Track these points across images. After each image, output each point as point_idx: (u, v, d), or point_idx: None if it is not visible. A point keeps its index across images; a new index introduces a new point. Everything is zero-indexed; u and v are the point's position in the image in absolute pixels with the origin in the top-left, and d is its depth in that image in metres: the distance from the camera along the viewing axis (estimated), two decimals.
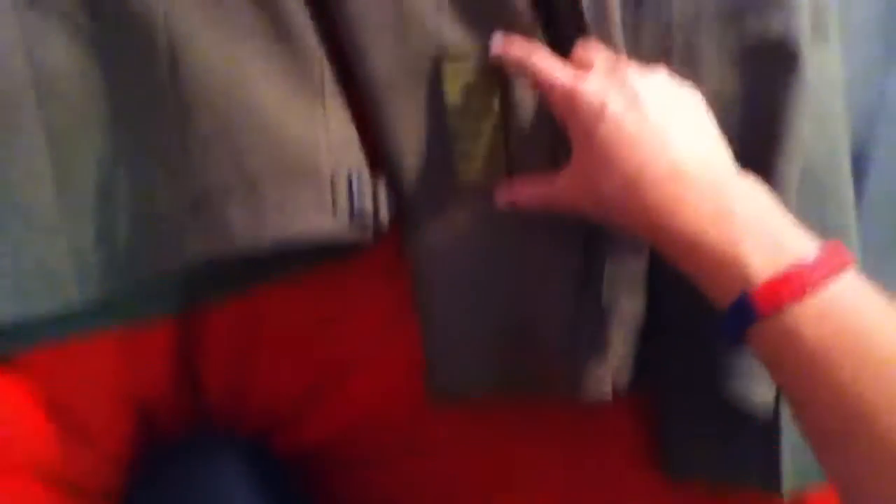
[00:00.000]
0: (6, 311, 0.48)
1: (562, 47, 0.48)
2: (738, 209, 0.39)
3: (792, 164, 0.46)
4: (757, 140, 0.47)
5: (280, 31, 0.48)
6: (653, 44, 0.48)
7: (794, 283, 0.36)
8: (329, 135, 0.48)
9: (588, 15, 0.46)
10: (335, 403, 0.55)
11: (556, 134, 0.47)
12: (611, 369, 0.50)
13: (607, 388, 0.50)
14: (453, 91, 0.49)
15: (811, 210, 0.49)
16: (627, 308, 0.49)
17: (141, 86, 0.48)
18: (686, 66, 0.48)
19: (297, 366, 0.53)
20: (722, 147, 0.43)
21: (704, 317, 0.42)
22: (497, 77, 0.49)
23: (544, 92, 0.45)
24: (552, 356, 0.50)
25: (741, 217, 0.39)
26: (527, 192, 0.48)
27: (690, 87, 0.45)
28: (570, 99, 0.43)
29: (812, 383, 0.36)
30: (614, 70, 0.44)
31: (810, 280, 0.36)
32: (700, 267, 0.40)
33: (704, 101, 0.45)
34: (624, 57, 0.46)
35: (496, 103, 0.49)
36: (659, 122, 0.41)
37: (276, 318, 0.53)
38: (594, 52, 0.46)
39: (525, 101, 0.49)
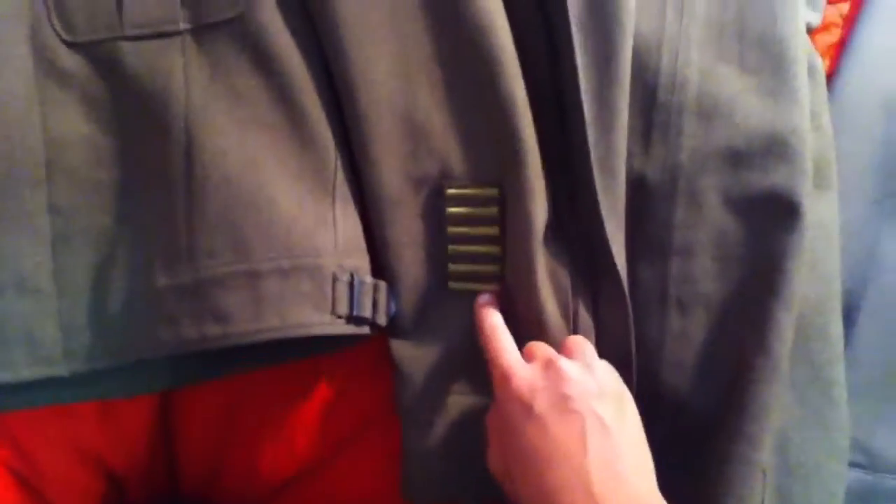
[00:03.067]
0: None
1: (567, 185, 0.50)
2: None
3: (788, 311, 0.47)
4: (755, 285, 0.48)
5: (298, 129, 0.48)
6: (659, 184, 0.49)
7: None
8: (336, 235, 0.48)
9: (594, 153, 0.47)
10: (312, 491, 0.54)
11: (552, 262, 0.49)
12: None
13: None
14: (454, 213, 0.50)
15: (800, 346, 0.50)
16: None
17: (152, 166, 0.48)
18: (688, 208, 0.49)
19: (276, 454, 0.53)
20: (645, 467, 0.42)
21: None
22: (497, 204, 0.50)
23: (489, 368, 0.46)
24: None
25: None
26: (490, 325, 0.47)
27: (622, 389, 0.44)
28: (505, 385, 0.44)
29: None
30: (550, 365, 0.43)
31: None
32: None
33: (634, 405, 0.44)
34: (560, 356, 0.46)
35: (495, 230, 0.50)
36: (580, 439, 0.40)
37: (258, 403, 0.53)
38: (539, 347, 0.46)
39: (523, 229, 0.49)
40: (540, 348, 0.46)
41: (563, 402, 0.41)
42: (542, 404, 0.42)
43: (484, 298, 0.49)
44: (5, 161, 0.48)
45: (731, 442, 0.47)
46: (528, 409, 0.42)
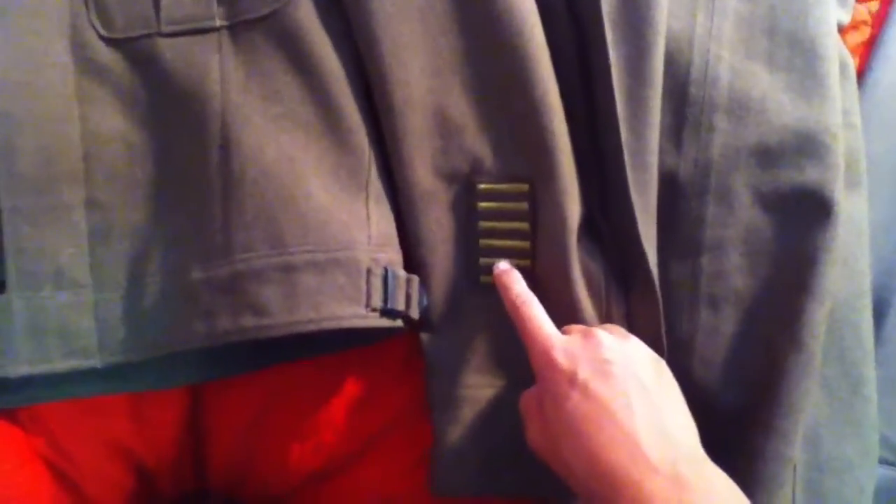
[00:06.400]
0: (23, 366, 0.48)
1: (598, 182, 0.50)
2: None
3: (821, 306, 0.47)
4: (787, 282, 0.48)
5: (332, 126, 0.49)
6: (690, 181, 0.50)
7: None
8: (369, 230, 0.49)
9: (626, 151, 0.48)
10: (340, 486, 0.54)
11: (585, 258, 0.49)
12: None
13: None
14: (484, 208, 0.51)
15: (832, 343, 0.50)
16: None
17: (189, 162, 0.49)
18: (720, 205, 0.49)
19: (304, 449, 0.53)
20: (688, 425, 0.43)
21: None
22: (527, 200, 0.50)
23: (524, 341, 0.46)
24: None
25: None
26: (517, 293, 0.48)
27: (657, 359, 0.45)
28: (545, 357, 0.44)
29: None
30: (588, 334, 0.45)
31: None
32: None
33: (669, 371, 0.45)
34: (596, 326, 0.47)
35: (525, 225, 0.51)
36: (625, 399, 0.41)
37: (288, 399, 0.53)
38: (574, 325, 0.47)
39: (557, 226, 0.49)
40: (575, 325, 0.47)
41: (604, 366, 0.42)
42: (584, 371, 0.42)
43: (502, 266, 0.49)
44: (44, 156, 0.48)
45: (763, 437, 0.47)
46: (571, 376, 0.42)
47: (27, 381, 0.49)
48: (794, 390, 0.47)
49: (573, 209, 0.49)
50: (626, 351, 0.44)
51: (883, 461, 0.53)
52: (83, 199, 0.49)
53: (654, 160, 0.48)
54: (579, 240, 0.49)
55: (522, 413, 0.46)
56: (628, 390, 0.42)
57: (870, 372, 0.51)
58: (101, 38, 0.50)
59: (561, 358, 0.43)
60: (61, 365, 0.48)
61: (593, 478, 0.41)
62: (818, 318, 0.47)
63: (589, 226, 0.50)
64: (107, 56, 0.50)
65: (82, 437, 0.52)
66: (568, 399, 0.42)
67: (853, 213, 0.52)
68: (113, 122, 0.50)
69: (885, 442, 0.53)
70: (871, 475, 0.51)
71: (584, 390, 0.42)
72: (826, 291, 0.47)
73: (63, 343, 0.48)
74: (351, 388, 0.53)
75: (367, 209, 0.49)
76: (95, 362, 0.49)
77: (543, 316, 0.46)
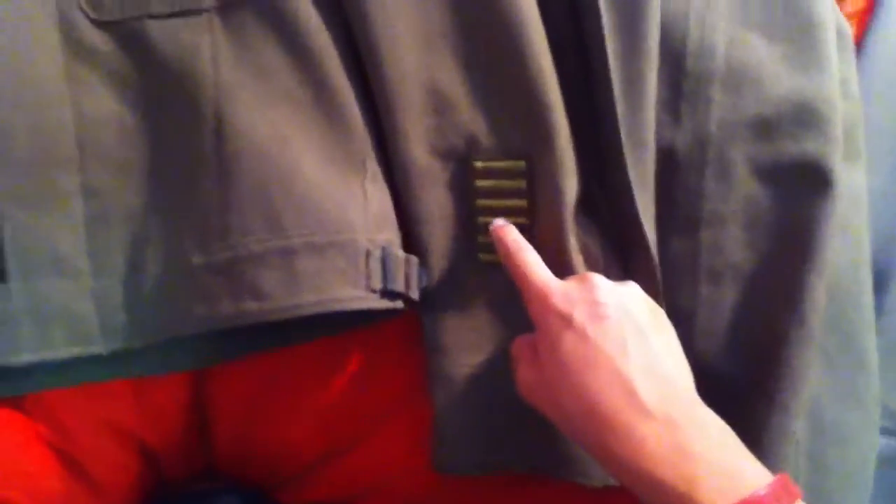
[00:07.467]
0: (25, 354, 0.48)
1: (595, 158, 0.49)
2: (695, 447, 0.39)
3: (821, 277, 0.47)
4: (786, 255, 0.48)
5: (326, 105, 0.49)
6: (688, 154, 0.49)
7: None
8: (367, 210, 0.48)
9: (623, 125, 0.47)
10: (343, 467, 0.54)
11: (583, 235, 0.49)
12: None
13: None
14: (481, 186, 0.51)
15: (831, 314, 0.50)
16: None
17: (183, 144, 0.48)
18: (719, 178, 0.49)
19: (308, 431, 0.53)
20: (683, 370, 0.43)
21: None
22: (525, 177, 0.50)
23: (520, 287, 0.46)
24: (562, 438, 0.50)
25: (698, 456, 0.39)
26: (513, 241, 0.48)
27: (654, 304, 0.45)
28: (542, 301, 0.44)
29: None
30: (584, 279, 0.45)
31: None
32: (652, 496, 0.40)
33: (666, 317, 0.45)
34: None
35: (523, 202, 0.50)
36: (620, 342, 0.41)
37: (291, 380, 0.53)
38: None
39: (554, 203, 0.49)
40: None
41: (600, 309, 0.42)
42: (581, 314, 0.42)
43: (499, 222, 0.49)
44: (38, 141, 0.48)
45: (765, 409, 0.47)
46: (567, 320, 0.43)
47: (29, 369, 0.49)
48: (796, 362, 0.47)
49: (570, 185, 0.49)
50: (623, 294, 0.44)
51: (885, 431, 0.54)
52: (79, 184, 0.49)
53: (650, 134, 0.48)
54: (577, 217, 0.49)
55: (514, 358, 0.46)
56: (624, 333, 0.42)
57: (870, 342, 0.51)
58: (91, 20, 0.49)
59: (557, 301, 0.43)
60: (64, 352, 0.48)
61: (587, 421, 0.41)
62: (818, 289, 0.47)
63: (586, 202, 0.50)
64: (97, 39, 0.49)
65: (86, 423, 0.52)
66: (564, 342, 0.42)
67: (852, 183, 0.51)
68: (106, 106, 0.49)
69: (886, 411, 0.53)
70: (872, 445, 0.51)
71: (581, 333, 0.42)
72: (826, 263, 0.47)
73: (65, 330, 0.48)
74: (352, 369, 0.53)
75: (364, 189, 0.49)
76: (99, 348, 0.49)
77: (538, 261, 0.46)
